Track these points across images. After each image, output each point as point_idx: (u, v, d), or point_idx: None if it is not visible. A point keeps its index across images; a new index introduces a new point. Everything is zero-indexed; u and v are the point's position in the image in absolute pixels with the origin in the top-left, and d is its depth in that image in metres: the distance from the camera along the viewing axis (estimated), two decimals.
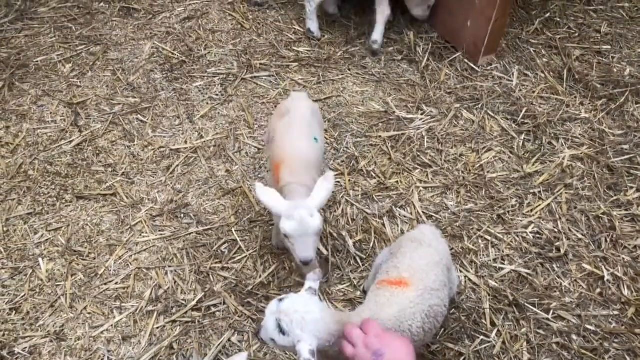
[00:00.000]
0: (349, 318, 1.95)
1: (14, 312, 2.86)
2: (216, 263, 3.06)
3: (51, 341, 2.75)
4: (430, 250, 2.29)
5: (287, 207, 2.29)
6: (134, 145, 3.65)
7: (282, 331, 1.78)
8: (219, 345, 2.73)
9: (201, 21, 4.58)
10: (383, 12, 4.21)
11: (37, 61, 4.20)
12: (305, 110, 2.78)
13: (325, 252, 3.08)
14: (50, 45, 4.33)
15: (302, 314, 1.78)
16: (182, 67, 4.19)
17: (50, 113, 3.85)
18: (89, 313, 2.86)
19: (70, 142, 3.66)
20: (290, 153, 2.59)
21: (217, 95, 4.01)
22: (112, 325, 2.81)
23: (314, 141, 2.68)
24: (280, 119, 2.76)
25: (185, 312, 2.84)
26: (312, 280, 1.97)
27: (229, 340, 2.75)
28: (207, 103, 3.94)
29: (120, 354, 2.71)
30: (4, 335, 2.77)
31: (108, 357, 2.70)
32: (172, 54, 4.29)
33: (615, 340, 2.80)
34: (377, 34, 4.31)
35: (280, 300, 1.84)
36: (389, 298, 2.10)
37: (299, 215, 2.23)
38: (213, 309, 2.87)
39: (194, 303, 2.87)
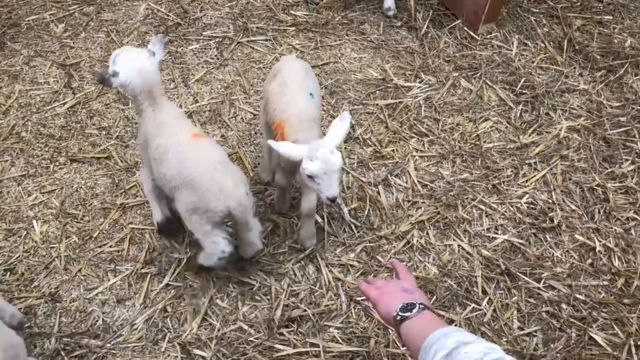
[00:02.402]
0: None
1: (9, 273, 2.86)
2: None
3: (46, 302, 2.77)
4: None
5: (307, 149, 2.35)
6: (128, 108, 3.61)
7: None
8: (204, 304, 2.76)
9: None
10: None
11: (28, 20, 4.11)
12: (297, 69, 2.79)
13: (320, 220, 3.08)
14: (42, 4, 4.24)
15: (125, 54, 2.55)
16: (177, 30, 4.12)
17: (43, 74, 3.79)
18: (84, 275, 2.87)
19: (64, 104, 3.62)
20: (291, 111, 2.60)
21: (212, 59, 3.95)
22: (106, 288, 2.82)
23: (310, 97, 2.68)
24: (271, 81, 2.76)
25: (178, 274, 2.86)
26: (155, 41, 2.60)
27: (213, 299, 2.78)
28: (203, 67, 3.89)
29: (114, 315, 2.74)
30: None
31: (103, 319, 2.72)
32: (167, 15, 4.21)
33: (604, 310, 2.84)
34: (389, 1, 4.27)
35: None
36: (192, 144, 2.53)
37: (322, 154, 2.31)
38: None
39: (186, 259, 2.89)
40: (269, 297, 2.81)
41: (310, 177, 2.37)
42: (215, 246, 2.57)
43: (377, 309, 1.82)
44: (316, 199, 2.77)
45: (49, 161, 3.32)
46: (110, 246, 2.98)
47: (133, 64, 2.53)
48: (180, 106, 3.61)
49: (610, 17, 4.40)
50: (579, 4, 4.51)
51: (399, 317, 1.67)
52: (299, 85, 2.70)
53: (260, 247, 2.77)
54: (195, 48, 4.00)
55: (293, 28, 4.17)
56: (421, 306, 1.67)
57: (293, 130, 2.56)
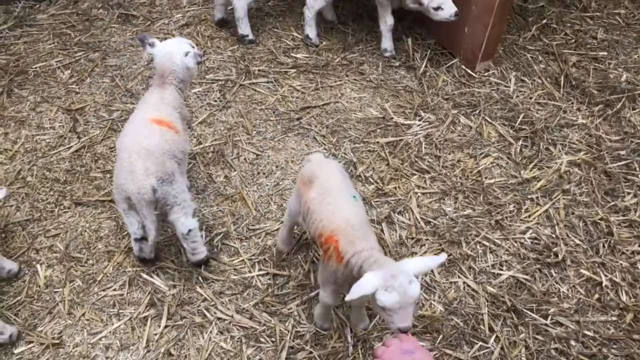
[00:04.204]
0: None
1: (13, 317, 2.85)
2: (212, 268, 3.06)
3: (49, 348, 2.74)
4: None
5: (382, 277, 2.04)
6: None
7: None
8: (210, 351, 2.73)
9: (199, 27, 4.60)
10: (385, 22, 4.24)
11: (35, 67, 4.21)
12: (334, 171, 2.61)
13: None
14: (49, 52, 4.34)
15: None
16: None
17: (49, 119, 3.86)
18: (87, 320, 2.86)
19: (69, 148, 3.67)
20: (339, 220, 2.37)
21: (215, 101, 4.02)
22: (110, 332, 2.80)
23: (354, 200, 2.49)
24: (309, 187, 2.57)
25: (178, 312, 2.85)
26: (196, 49, 3.02)
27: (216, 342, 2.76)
28: (206, 109, 3.95)
29: None
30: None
31: None
32: None
33: (614, 346, 2.80)
34: (386, 43, 4.36)
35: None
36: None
37: (400, 285, 2.00)
38: (209, 313, 2.87)
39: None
40: (273, 339, 2.78)
41: (382, 308, 2.05)
42: (131, 227, 2.83)
43: None
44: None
45: (53, 205, 3.34)
46: (114, 289, 2.97)
47: (167, 47, 2.95)
48: None
49: (605, 53, 4.48)
50: (573, 40, 4.60)
51: None
52: (340, 190, 2.51)
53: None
54: (199, 91, 4.08)
55: (294, 70, 4.26)
56: None
57: (349, 241, 2.29)
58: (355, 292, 2.04)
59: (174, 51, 2.93)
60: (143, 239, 2.84)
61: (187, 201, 2.81)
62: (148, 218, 2.68)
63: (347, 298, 2.06)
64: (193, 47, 3.01)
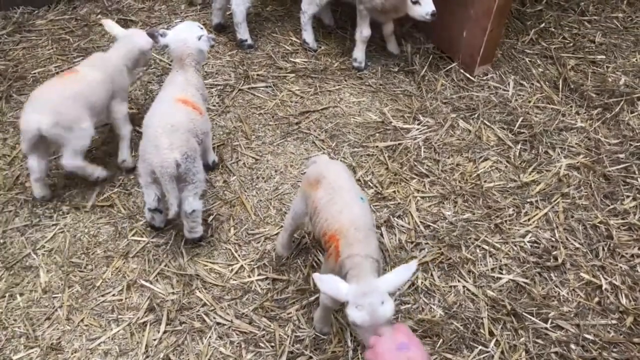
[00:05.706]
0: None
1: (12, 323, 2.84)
2: (213, 273, 3.05)
3: (48, 354, 2.73)
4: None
5: (354, 293, 2.08)
6: (132, 156, 3.64)
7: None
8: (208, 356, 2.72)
9: None
10: (361, 32, 4.21)
11: (34, 73, 4.20)
12: (341, 172, 2.62)
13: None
14: (47, 57, 4.34)
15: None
16: None
17: None
18: (86, 325, 2.84)
19: None
20: (344, 220, 2.38)
21: (214, 106, 4.02)
22: (109, 337, 2.79)
23: (361, 201, 2.49)
24: (315, 188, 2.56)
25: (177, 318, 2.84)
26: (209, 35, 3.23)
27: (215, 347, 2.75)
28: None
29: None
30: (0, 347, 2.75)
31: None
32: (169, 65, 4.30)
33: (614, 350, 2.79)
34: (357, 52, 4.31)
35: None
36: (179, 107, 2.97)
37: (370, 305, 2.03)
38: (210, 319, 2.86)
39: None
40: (273, 343, 2.77)
41: (353, 324, 2.11)
42: (148, 198, 2.99)
43: None
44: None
45: (52, 210, 3.34)
46: (113, 295, 2.96)
47: (179, 34, 3.14)
48: None
49: (603, 57, 4.49)
50: (572, 44, 4.61)
51: None
52: (348, 190, 2.51)
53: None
54: None
55: (293, 74, 4.26)
56: None
57: (348, 242, 2.30)
58: (325, 285, 2.12)
59: (187, 37, 3.13)
60: (157, 210, 3.05)
61: (201, 182, 2.97)
62: (171, 193, 2.79)
63: (316, 280, 2.11)
64: (202, 28, 3.24)
